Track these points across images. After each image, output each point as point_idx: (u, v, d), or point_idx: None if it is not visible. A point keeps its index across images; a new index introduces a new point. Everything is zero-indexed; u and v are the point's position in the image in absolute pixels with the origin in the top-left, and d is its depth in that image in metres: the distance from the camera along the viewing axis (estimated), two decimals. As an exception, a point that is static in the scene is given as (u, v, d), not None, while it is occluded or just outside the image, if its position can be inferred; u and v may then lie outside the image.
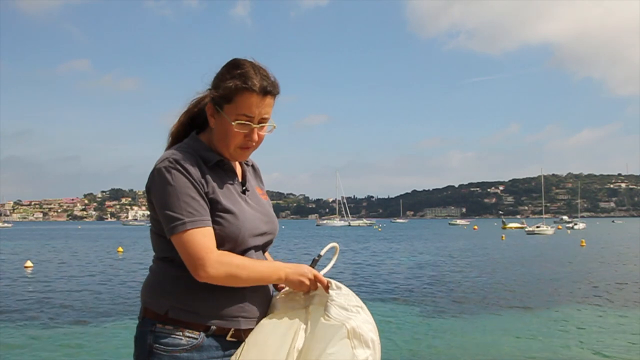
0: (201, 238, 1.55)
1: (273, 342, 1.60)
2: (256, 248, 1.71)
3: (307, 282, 1.65)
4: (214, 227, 1.60)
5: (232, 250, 1.62)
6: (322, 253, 1.75)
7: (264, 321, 1.67)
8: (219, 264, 1.54)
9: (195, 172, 1.61)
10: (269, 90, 1.65)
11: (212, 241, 1.57)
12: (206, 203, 1.60)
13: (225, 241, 1.61)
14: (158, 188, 1.59)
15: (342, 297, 1.63)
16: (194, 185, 1.59)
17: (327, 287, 1.64)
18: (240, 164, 1.82)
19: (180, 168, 1.59)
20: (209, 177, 1.64)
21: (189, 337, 1.57)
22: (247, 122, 1.64)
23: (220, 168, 1.70)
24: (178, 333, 1.57)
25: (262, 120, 1.66)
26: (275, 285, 1.82)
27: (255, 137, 1.67)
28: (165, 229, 1.59)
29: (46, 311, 11.91)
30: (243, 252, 1.65)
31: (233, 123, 1.63)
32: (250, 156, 1.80)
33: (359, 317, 1.62)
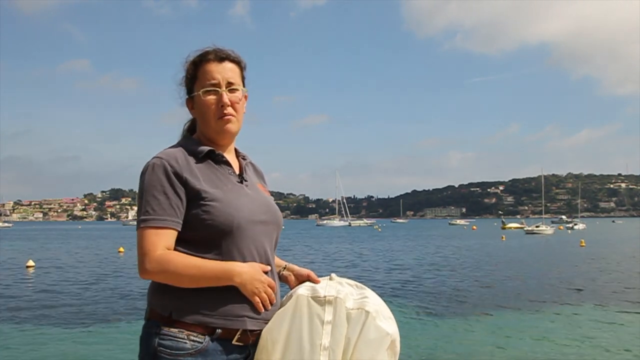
0: (151, 236, 1.55)
1: (295, 340, 1.57)
2: (260, 239, 1.67)
3: (260, 288, 1.59)
4: (205, 218, 1.59)
5: (231, 240, 1.60)
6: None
7: (276, 319, 1.63)
8: (156, 262, 1.53)
9: (176, 166, 1.61)
10: (224, 56, 1.72)
11: (163, 241, 1.56)
12: (176, 200, 1.59)
13: (221, 230, 1.59)
14: (138, 189, 1.64)
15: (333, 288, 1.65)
16: (162, 183, 1.59)
17: (271, 303, 1.63)
18: (238, 159, 1.82)
19: (156, 165, 1.60)
20: (196, 169, 1.64)
21: (193, 341, 1.55)
22: (213, 88, 1.68)
23: (211, 160, 1.70)
24: (183, 336, 1.55)
25: (229, 85, 1.70)
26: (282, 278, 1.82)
27: (226, 99, 1.68)
28: None
29: (48, 311, 11.96)
30: (244, 241, 1.62)
31: (200, 92, 1.68)
32: (249, 156, 1.86)
33: (370, 299, 1.66)
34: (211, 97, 1.68)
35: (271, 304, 1.62)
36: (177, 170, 1.60)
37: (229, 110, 1.69)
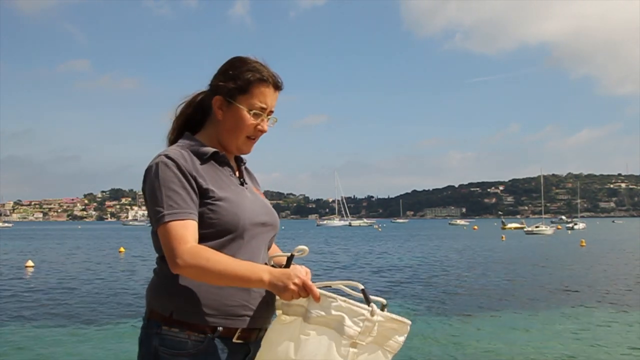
0: (178, 229, 1.53)
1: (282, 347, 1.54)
2: (259, 240, 1.70)
3: (294, 288, 1.49)
4: (211, 217, 1.60)
5: (234, 239, 1.62)
6: (295, 253, 1.68)
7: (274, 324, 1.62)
8: (189, 255, 1.50)
9: (185, 164, 1.61)
10: (279, 85, 1.75)
11: (190, 233, 1.54)
12: (194, 195, 1.59)
13: (226, 229, 1.61)
14: (147, 185, 1.62)
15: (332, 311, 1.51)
16: (179, 178, 1.59)
17: (318, 299, 1.51)
18: (236, 162, 1.84)
19: (168, 162, 1.60)
20: (202, 170, 1.64)
21: (195, 340, 1.55)
22: (261, 113, 1.71)
23: (215, 161, 1.71)
24: (184, 336, 1.55)
25: (270, 114, 1.75)
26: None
27: (266, 127, 1.74)
28: (151, 223, 1.62)
29: (47, 311, 11.94)
30: (246, 240, 1.64)
31: (250, 112, 1.69)
32: (246, 160, 1.90)
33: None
34: (254, 119, 1.71)
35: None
36: (187, 168, 1.61)
37: (259, 135, 1.76)
